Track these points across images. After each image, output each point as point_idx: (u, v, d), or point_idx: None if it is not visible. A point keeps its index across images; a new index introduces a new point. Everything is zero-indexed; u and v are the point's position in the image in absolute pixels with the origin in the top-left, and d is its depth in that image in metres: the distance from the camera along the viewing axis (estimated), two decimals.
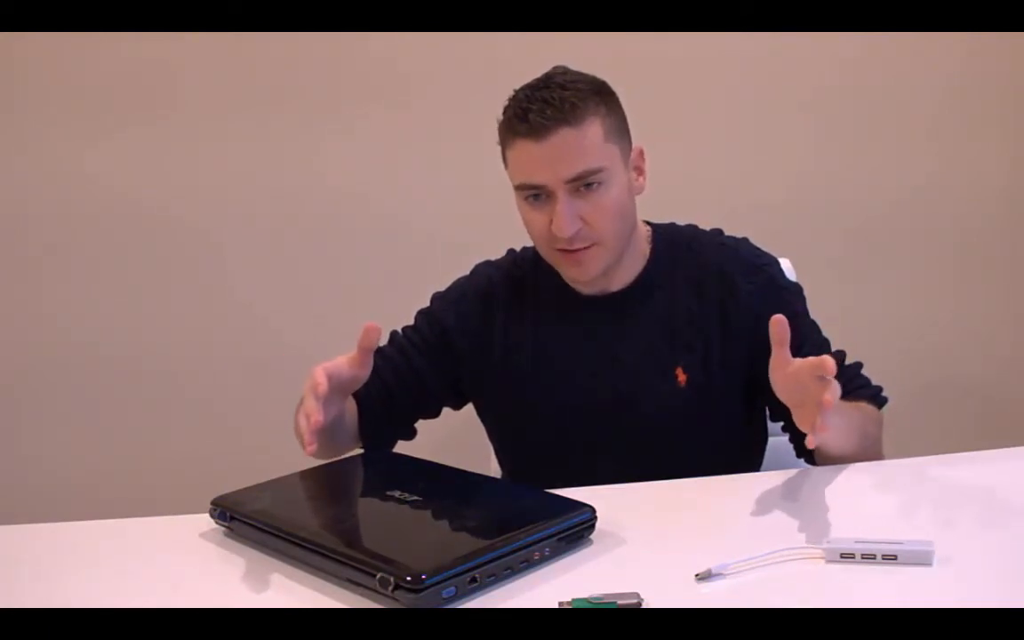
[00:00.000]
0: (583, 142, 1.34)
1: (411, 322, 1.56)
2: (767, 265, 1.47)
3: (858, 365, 1.47)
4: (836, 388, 1.13)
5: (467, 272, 1.58)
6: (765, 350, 1.22)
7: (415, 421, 1.56)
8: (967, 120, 2.43)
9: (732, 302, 1.42)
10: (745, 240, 1.51)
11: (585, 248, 1.38)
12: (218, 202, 2.34)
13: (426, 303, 1.57)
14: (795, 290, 1.50)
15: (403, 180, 2.36)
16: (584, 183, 1.35)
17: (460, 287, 1.56)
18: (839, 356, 1.45)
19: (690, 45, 2.31)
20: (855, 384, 1.43)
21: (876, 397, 1.44)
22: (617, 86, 1.44)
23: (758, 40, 2.29)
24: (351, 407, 1.45)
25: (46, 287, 2.35)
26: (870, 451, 1.35)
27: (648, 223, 1.52)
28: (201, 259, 2.36)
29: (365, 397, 1.45)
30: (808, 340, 1.42)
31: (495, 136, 1.43)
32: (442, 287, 1.57)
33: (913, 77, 2.40)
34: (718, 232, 1.52)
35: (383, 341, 1.40)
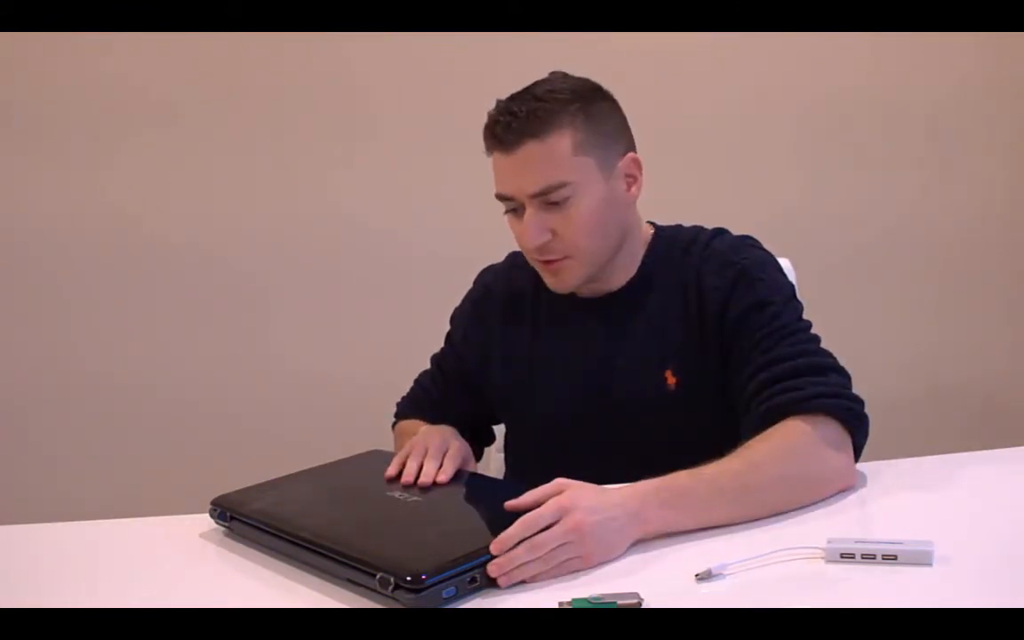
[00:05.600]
0: (548, 155, 1.32)
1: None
2: (742, 260, 1.39)
3: (819, 367, 1.28)
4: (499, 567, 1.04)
5: (471, 280, 1.60)
6: (731, 345, 1.24)
7: (480, 433, 1.59)
8: (967, 130, 2.43)
9: (703, 302, 1.38)
10: (736, 238, 1.45)
11: (559, 260, 1.37)
12: (217, 215, 2.36)
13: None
14: (771, 282, 1.38)
15: (406, 192, 2.36)
16: (550, 198, 1.33)
17: (465, 300, 1.58)
18: (786, 356, 1.30)
19: (688, 47, 2.31)
20: (787, 398, 1.24)
21: (823, 403, 1.23)
22: (619, 88, 1.42)
23: (757, 45, 2.29)
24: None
25: (49, 298, 2.36)
26: (803, 484, 1.19)
27: (653, 225, 1.50)
28: (201, 265, 2.37)
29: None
30: (764, 329, 1.32)
31: None
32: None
33: (913, 88, 2.40)
34: (719, 231, 1.47)
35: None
